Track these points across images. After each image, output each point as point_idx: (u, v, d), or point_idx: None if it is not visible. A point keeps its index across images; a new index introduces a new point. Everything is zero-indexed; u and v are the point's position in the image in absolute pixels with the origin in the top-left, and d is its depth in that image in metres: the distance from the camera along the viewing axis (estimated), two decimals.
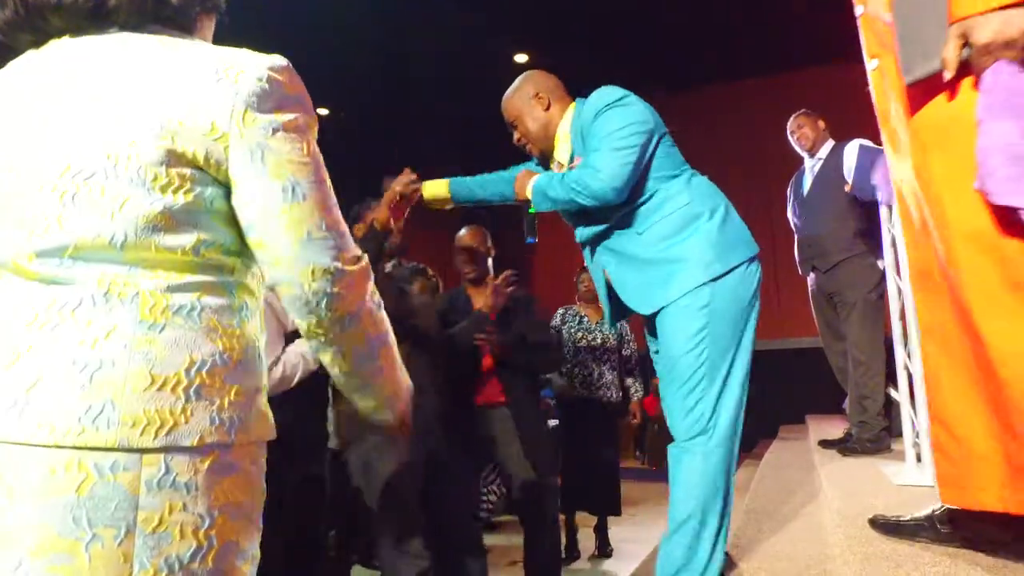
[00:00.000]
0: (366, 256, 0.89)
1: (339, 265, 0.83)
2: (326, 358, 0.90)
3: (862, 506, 1.93)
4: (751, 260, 1.82)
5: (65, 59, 0.81)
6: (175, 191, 0.77)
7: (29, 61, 0.84)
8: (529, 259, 9.53)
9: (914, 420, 2.65)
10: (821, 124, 3.51)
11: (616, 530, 4.39)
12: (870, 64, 1.48)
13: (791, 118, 3.58)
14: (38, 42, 0.84)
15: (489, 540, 4.47)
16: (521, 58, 7.87)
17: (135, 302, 0.75)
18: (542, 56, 7.69)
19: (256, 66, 0.82)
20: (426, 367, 2.45)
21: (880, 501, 1.99)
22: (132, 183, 0.76)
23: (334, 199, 0.86)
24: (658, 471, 7.42)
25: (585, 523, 4.27)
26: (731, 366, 1.74)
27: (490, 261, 2.93)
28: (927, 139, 1.30)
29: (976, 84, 1.17)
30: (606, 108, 1.85)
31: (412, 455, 2.37)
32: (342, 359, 0.89)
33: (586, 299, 4.23)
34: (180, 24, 0.89)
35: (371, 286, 0.90)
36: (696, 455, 1.70)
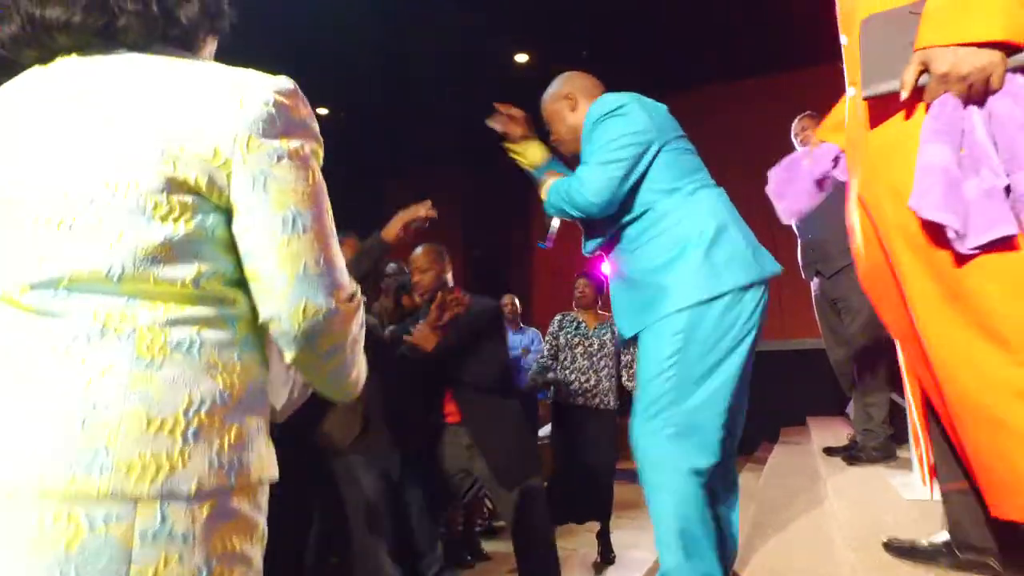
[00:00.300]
0: (359, 291, 0.87)
1: (332, 305, 0.81)
2: (302, 376, 0.91)
3: (873, 523, 1.90)
4: (747, 288, 1.71)
5: (71, 80, 0.79)
6: (176, 220, 0.74)
7: (34, 79, 0.81)
8: (532, 262, 9.50)
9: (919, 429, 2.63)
10: None
11: (619, 534, 4.35)
12: (848, 91, 1.54)
13: (795, 120, 3.54)
14: (44, 59, 0.82)
15: (489, 547, 4.46)
16: (521, 58, 7.83)
17: (132, 338, 0.72)
18: (542, 56, 7.66)
19: (262, 89, 0.79)
20: (376, 390, 2.44)
21: (891, 518, 1.96)
22: (131, 212, 0.73)
23: (333, 229, 0.84)
24: None
25: (589, 528, 4.23)
26: (698, 395, 1.67)
27: (449, 276, 2.82)
28: (877, 154, 1.38)
29: (927, 109, 1.26)
30: (602, 119, 1.81)
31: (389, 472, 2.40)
32: (319, 378, 0.88)
33: (583, 305, 4.20)
34: (186, 44, 0.86)
35: (360, 318, 0.88)
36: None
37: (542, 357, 4.19)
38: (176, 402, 0.71)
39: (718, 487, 1.83)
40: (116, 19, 0.80)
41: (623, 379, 4.13)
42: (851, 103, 1.53)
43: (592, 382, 3.96)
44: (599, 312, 4.23)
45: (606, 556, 4.10)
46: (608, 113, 1.81)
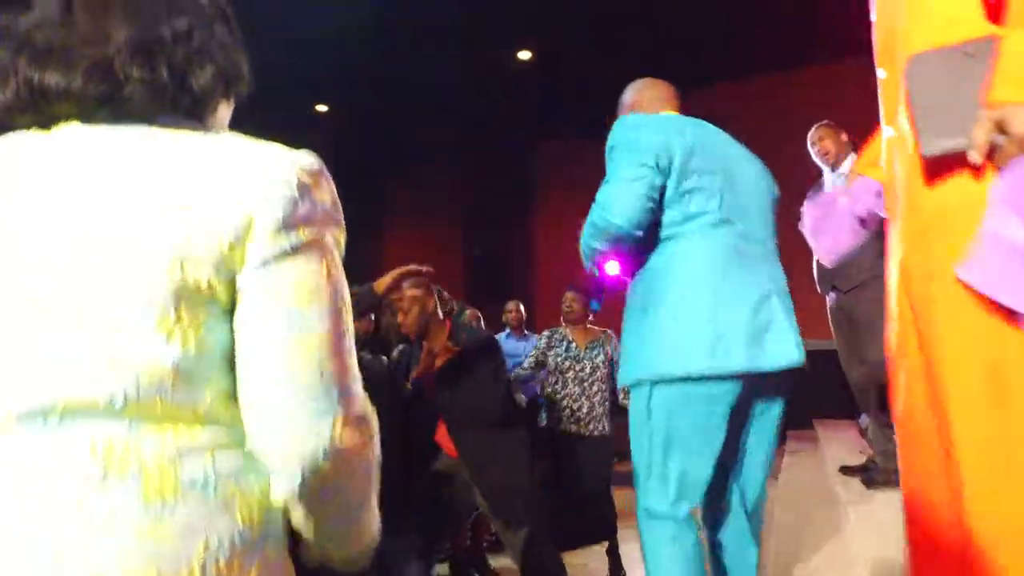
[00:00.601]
0: (373, 414, 0.74)
1: (336, 432, 0.67)
2: (292, 515, 0.72)
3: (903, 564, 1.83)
4: (715, 379, 1.57)
5: (71, 158, 0.69)
6: (185, 338, 0.65)
7: (32, 148, 0.71)
8: (534, 262, 9.40)
9: None
10: (844, 137, 3.37)
11: (631, 546, 4.28)
12: (885, 131, 1.40)
13: (812, 129, 3.45)
14: (42, 124, 0.72)
15: (496, 562, 4.39)
16: (524, 54, 7.71)
17: (138, 480, 0.62)
18: (545, 52, 7.55)
19: (283, 170, 0.70)
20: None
21: None
22: (134, 329, 0.64)
23: (347, 329, 0.72)
24: None
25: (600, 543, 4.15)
26: (670, 473, 1.64)
27: (436, 308, 2.70)
28: (932, 219, 1.21)
29: (997, 172, 1.10)
30: (623, 137, 1.73)
31: None
32: (309, 522, 0.72)
33: (571, 320, 3.89)
34: (198, 113, 0.77)
35: (374, 449, 0.74)
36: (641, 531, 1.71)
37: (522, 368, 3.95)
38: (190, 553, 0.62)
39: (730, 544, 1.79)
40: (121, 87, 0.70)
41: (619, 398, 3.88)
42: (889, 145, 1.38)
43: (585, 409, 3.73)
44: (589, 327, 3.94)
45: (616, 572, 4.03)
46: (630, 129, 1.72)
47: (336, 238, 0.74)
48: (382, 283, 1.97)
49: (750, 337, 1.58)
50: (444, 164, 9.44)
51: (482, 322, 4.35)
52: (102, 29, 0.70)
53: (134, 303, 0.64)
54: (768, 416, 1.75)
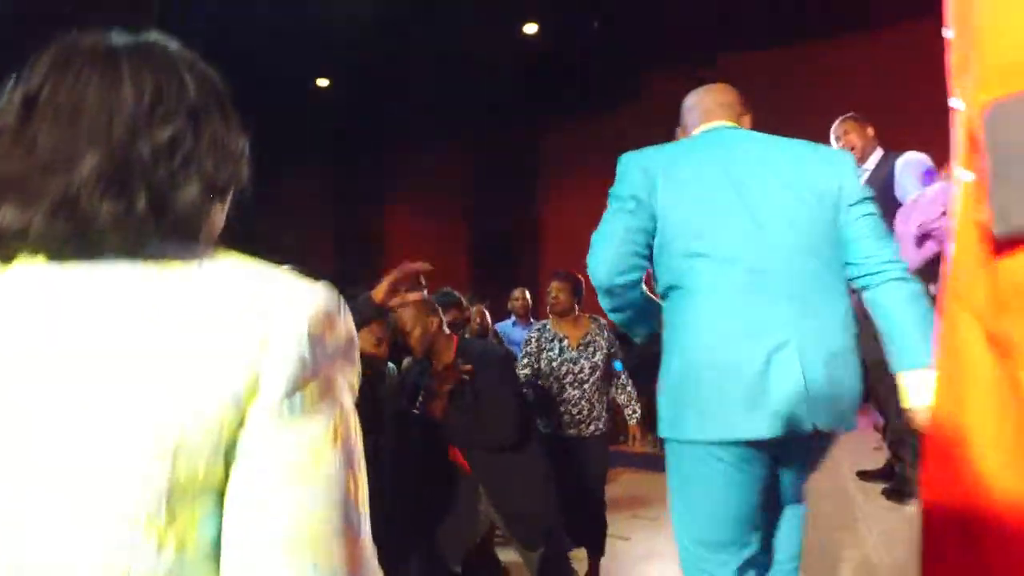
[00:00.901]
0: None
1: None
2: None
3: None
4: (710, 444, 1.45)
5: (26, 307, 0.57)
6: (178, 541, 0.53)
7: None
8: (541, 239, 9.26)
9: None
10: (870, 131, 3.20)
11: (637, 538, 4.23)
12: (965, 175, 1.22)
13: (836, 122, 3.28)
14: (4, 258, 0.59)
15: (504, 556, 4.34)
16: (530, 28, 7.48)
17: None
18: (551, 27, 7.33)
19: (292, 320, 0.57)
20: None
21: None
22: (116, 539, 0.52)
23: (360, 492, 0.60)
24: None
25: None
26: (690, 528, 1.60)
27: (442, 325, 2.55)
28: (1009, 296, 1.05)
29: None
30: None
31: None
32: None
33: (558, 312, 3.51)
34: (187, 232, 0.63)
35: None
36: None
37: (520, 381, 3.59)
38: None
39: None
40: (90, 224, 0.57)
41: (620, 399, 3.73)
42: (965, 189, 1.23)
43: (585, 411, 3.48)
44: (578, 317, 3.56)
45: None
46: (618, 168, 1.63)
47: (349, 380, 0.61)
48: (379, 291, 1.79)
49: (749, 401, 1.41)
50: (450, 139, 9.24)
51: (488, 317, 4.22)
52: (67, 150, 0.57)
53: (117, 503, 0.52)
54: (785, 478, 1.60)
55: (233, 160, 0.66)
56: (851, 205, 1.53)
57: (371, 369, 2.30)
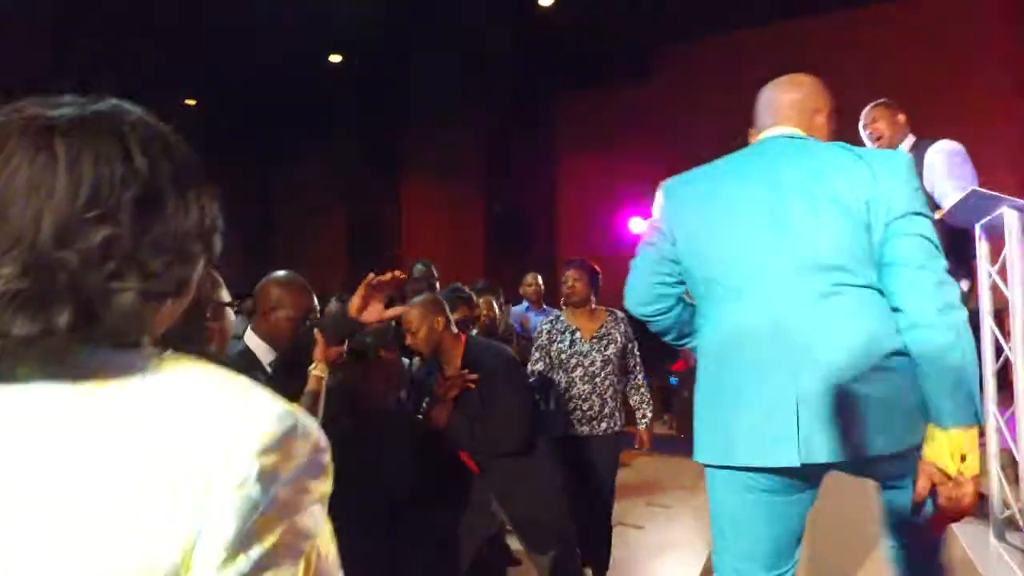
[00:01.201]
0: None
1: None
2: None
3: None
4: (720, 468, 1.49)
5: None
6: None
7: None
8: (557, 218, 9.14)
9: (1003, 480, 2.36)
10: (901, 118, 3.04)
11: (651, 527, 4.18)
12: None
13: (866, 109, 3.12)
14: None
15: (516, 544, 4.32)
16: (546, 1, 7.27)
17: None
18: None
19: (237, 460, 0.50)
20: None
21: None
22: None
23: None
24: (687, 440, 7.19)
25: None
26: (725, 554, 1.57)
27: (449, 325, 2.50)
28: None
29: None
30: None
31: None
32: None
33: (573, 303, 3.34)
34: (125, 340, 0.54)
35: None
36: None
37: (532, 377, 3.41)
38: None
39: None
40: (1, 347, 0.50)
41: (633, 400, 3.49)
42: None
43: (596, 408, 3.30)
44: (594, 310, 3.37)
45: None
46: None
47: (319, 492, 0.54)
48: (353, 304, 1.69)
49: (773, 429, 1.38)
50: (466, 114, 9.08)
51: (497, 308, 4.12)
52: None
53: None
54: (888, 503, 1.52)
55: (188, 253, 0.57)
56: (896, 219, 1.37)
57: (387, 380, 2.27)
